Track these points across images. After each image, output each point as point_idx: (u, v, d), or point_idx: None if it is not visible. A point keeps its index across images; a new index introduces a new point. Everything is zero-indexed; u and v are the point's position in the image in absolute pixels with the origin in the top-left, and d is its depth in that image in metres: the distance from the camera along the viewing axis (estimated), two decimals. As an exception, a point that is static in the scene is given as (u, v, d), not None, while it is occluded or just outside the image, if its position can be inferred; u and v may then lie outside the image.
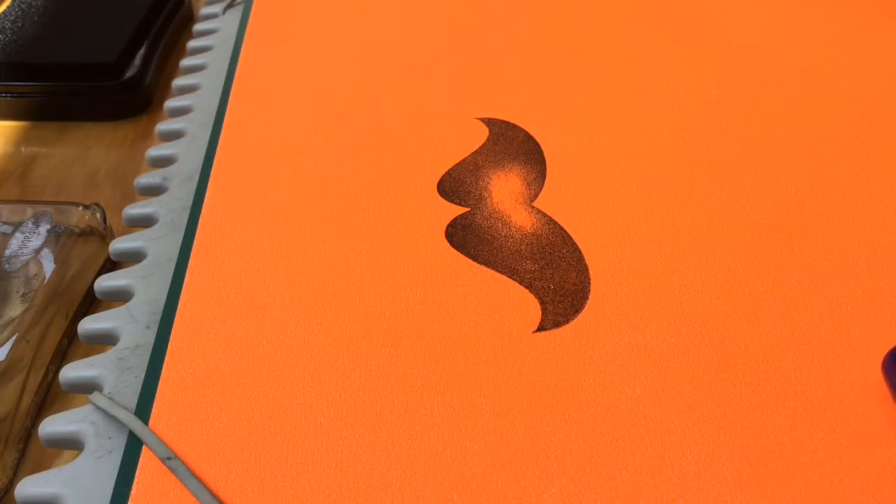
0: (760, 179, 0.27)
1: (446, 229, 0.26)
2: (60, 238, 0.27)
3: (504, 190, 0.27)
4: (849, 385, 0.21)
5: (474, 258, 0.25)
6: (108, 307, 0.25)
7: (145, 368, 0.22)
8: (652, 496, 0.19)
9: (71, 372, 0.23)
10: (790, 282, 0.23)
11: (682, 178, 0.27)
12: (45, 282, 0.26)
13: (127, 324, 0.24)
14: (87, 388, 0.22)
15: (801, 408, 0.20)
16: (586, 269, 0.24)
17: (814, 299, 0.23)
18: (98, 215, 0.29)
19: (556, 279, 0.24)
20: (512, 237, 0.25)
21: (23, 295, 0.25)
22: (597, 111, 0.30)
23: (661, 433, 0.20)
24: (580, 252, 0.25)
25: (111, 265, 0.28)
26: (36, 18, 0.38)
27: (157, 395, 0.22)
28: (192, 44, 0.37)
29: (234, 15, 0.38)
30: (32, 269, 0.26)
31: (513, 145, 0.29)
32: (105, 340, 0.24)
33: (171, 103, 0.33)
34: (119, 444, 0.21)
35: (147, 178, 0.29)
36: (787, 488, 0.19)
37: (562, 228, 0.25)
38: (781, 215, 0.25)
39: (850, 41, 0.33)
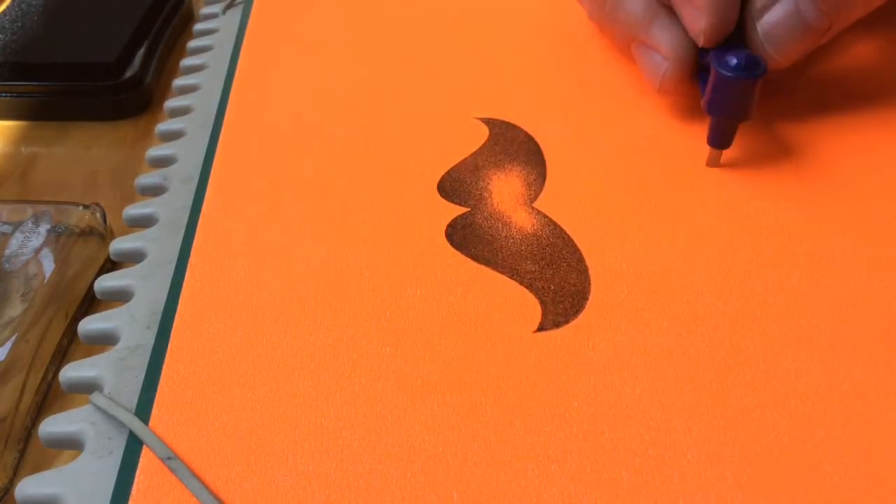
0: (761, 179, 0.27)
1: (446, 229, 0.26)
2: (60, 238, 0.27)
3: (504, 190, 0.27)
4: (849, 385, 0.21)
5: (475, 258, 0.25)
6: (108, 307, 0.25)
7: (145, 368, 0.22)
8: (652, 496, 0.19)
9: (71, 372, 0.23)
10: (790, 282, 0.23)
11: (682, 179, 0.27)
12: (45, 282, 0.26)
13: (127, 324, 0.24)
14: (87, 388, 0.22)
15: (802, 408, 0.20)
16: (586, 269, 0.24)
17: (814, 299, 0.23)
18: (98, 215, 0.29)
19: (557, 280, 0.24)
20: (512, 238, 0.25)
21: (23, 295, 0.25)
22: (597, 112, 0.30)
23: (661, 433, 0.20)
24: (580, 253, 0.25)
25: (111, 265, 0.28)
26: (36, 18, 0.38)
27: (157, 395, 0.22)
28: (192, 44, 0.37)
29: (234, 15, 0.38)
30: (32, 269, 0.26)
31: (513, 146, 0.29)
32: (105, 340, 0.24)
33: (171, 103, 0.33)
34: (119, 444, 0.21)
35: (147, 178, 0.29)
36: (787, 488, 0.19)
37: (562, 229, 0.25)
38: (781, 215, 0.25)
39: (852, 41, 0.33)
